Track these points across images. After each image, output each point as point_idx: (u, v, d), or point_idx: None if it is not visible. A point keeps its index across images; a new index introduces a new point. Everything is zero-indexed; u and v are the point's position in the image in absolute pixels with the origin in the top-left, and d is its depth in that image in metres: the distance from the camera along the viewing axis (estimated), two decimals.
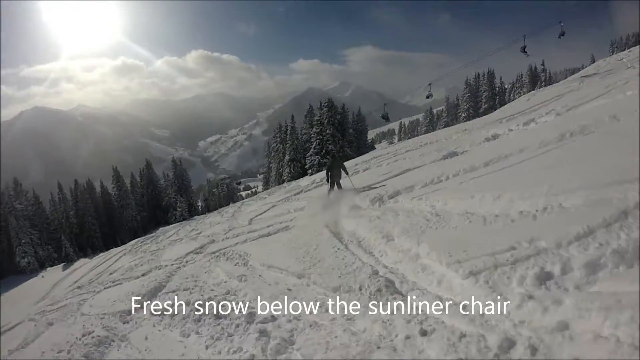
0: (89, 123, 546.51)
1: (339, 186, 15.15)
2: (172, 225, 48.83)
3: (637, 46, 51.67)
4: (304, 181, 25.40)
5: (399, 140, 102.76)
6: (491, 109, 74.32)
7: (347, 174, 15.27)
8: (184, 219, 54.29)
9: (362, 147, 59.80)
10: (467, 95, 77.83)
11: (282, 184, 55.27)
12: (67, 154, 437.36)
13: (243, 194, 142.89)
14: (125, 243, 44.40)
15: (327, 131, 46.38)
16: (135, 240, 39.84)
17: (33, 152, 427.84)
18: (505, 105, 50.79)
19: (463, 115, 77.41)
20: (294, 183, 41.64)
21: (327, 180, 15.29)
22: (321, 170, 40.33)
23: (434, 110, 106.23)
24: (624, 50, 68.67)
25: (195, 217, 53.34)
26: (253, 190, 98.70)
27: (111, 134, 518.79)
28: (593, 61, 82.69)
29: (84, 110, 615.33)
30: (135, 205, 62.87)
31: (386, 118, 28.81)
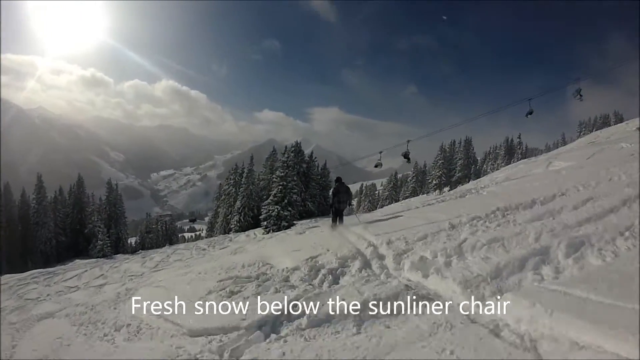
0: (45, 128, 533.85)
1: (341, 217, 13.10)
2: (88, 260, 40.46)
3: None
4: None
5: (358, 203, 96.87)
6: (465, 177, 70.38)
7: (350, 204, 13.73)
8: (104, 255, 45.99)
9: (325, 205, 52.50)
10: (440, 162, 73.11)
11: (229, 232, 48.79)
12: (16, 154, 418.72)
13: (187, 235, 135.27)
14: (37, 268, 36.35)
15: (293, 178, 39.41)
16: (32, 272, 31.32)
17: None
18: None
19: (434, 182, 72.65)
20: (242, 236, 34.68)
21: (332, 206, 13.26)
22: (280, 225, 34.32)
23: (400, 175, 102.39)
24: (592, 130, 73.05)
25: (119, 255, 45.83)
26: (198, 232, 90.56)
27: (64, 145, 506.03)
28: (564, 139, 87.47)
29: (43, 113, 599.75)
30: (55, 227, 53.51)
31: (407, 158, 24.50)
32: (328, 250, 9.32)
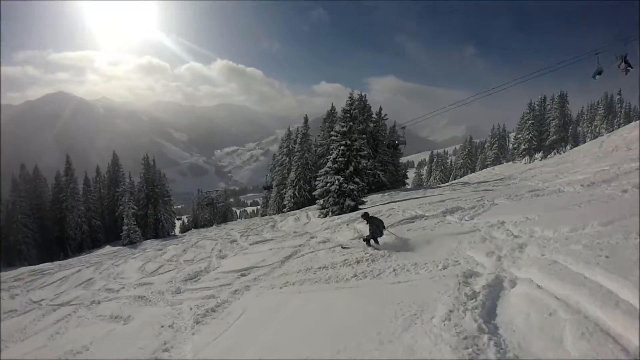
0: (109, 116, 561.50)
1: (377, 240, 11.54)
2: (111, 249, 37.15)
3: None
4: None
5: (429, 173, 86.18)
6: (561, 141, 58.48)
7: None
8: (131, 242, 39.65)
9: (397, 175, 42.94)
10: (529, 122, 61.10)
11: (283, 209, 41.90)
12: (84, 143, 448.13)
13: (249, 209, 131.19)
14: (70, 256, 38.38)
15: (361, 135, 29.19)
16: (21, 271, 27.18)
17: (51, 135, 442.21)
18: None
19: (522, 147, 61.01)
20: (290, 220, 25.39)
21: (374, 234, 11.45)
22: (343, 204, 23.00)
23: (477, 141, 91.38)
24: None
25: (148, 241, 40.43)
26: (260, 207, 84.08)
27: (129, 130, 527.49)
28: None
29: (107, 103, 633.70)
30: (87, 211, 47.80)
31: (626, 62, 18.70)
32: None
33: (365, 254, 10.19)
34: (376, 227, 11.58)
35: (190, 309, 9.46)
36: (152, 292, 12.62)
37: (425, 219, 13.37)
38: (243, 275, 11.70)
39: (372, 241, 11.73)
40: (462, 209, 13.64)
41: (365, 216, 12.18)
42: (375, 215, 12.56)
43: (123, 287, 14.94)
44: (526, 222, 9.66)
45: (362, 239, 12.18)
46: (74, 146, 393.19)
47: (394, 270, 8.10)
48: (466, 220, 11.88)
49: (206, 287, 11.44)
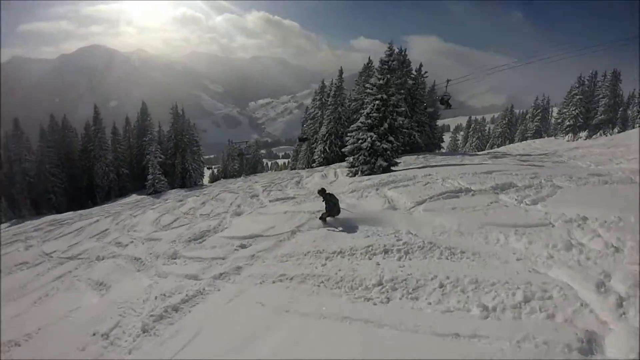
0: (144, 68, 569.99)
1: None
2: (134, 198, 38.76)
3: None
4: None
5: (465, 139, 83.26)
6: (609, 122, 54.65)
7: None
8: (156, 191, 41.41)
9: (433, 138, 41.19)
10: (577, 97, 57.42)
11: (312, 164, 41.31)
12: (119, 95, 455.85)
13: (280, 161, 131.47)
14: (98, 204, 40.38)
15: (399, 90, 27.35)
16: (44, 219, 29.08)
17: (86, 88, 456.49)
18: None
19: (567, 122, 57.50)
20: (317, 177, 24.41)
21: (331, 210, 11.49)
22: (374, 164, 21.55)
23: (517, 111, 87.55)
24: None
25: (174, 191, 41.49)
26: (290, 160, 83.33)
27: (165, 82, 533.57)
28: None
29: (142, 55, 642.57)
30: (115, 160, 48.29)
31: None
32: None
33: (397, 240, 8.07)
34: (333, 205, 11.54)
35: (156, 297, 7.96)
36: (150, 254, 11.75)
37: (473, 195, 11.23)
38: (243, 246, 10.34)
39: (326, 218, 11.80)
40: (516, 187, 11.42)
41: (322, 192, 11.98)
42: (332, 192, 12.31)
43: (132, 242, 14.40)
44: (620, 225, 7.04)
45: (318, 218, 11.76)
46: (109, 98, 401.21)
47: (442, 286, 5.89)
48: (527, 205, 9.58)
49: (199, 257, 10.23)
